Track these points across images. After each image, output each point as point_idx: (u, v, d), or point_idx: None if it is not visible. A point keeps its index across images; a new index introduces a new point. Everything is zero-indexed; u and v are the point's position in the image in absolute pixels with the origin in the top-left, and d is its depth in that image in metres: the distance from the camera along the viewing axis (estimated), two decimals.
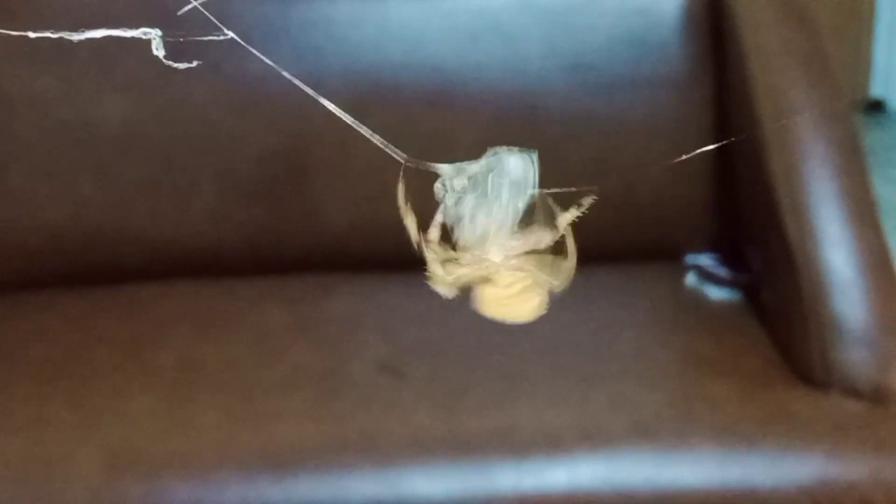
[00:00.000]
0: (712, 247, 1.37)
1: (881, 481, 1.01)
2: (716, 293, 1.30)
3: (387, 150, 0.47)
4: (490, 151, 0.46)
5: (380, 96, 1.31)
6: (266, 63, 0.51)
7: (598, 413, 1.06)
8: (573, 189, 0.48)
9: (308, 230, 1.35)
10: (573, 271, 0.46)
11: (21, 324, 1.27)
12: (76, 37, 0.39)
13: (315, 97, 0.47)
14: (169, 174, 1.33)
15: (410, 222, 0.47)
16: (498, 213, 0.44)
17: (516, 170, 0.45)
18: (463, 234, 0.45)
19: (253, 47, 0.48)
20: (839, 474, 1.01)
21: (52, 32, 0.40)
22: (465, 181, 0.45)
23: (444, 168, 0.46)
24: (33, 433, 1.06)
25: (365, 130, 0.48)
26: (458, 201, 0.45)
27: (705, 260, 1.36)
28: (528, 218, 0.46)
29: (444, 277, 0.47)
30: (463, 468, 1.02)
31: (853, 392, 1.07)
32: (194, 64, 0.42)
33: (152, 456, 1.03)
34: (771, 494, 1.01)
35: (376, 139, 0.47)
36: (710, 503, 1.01)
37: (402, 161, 0.47)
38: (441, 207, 0.46)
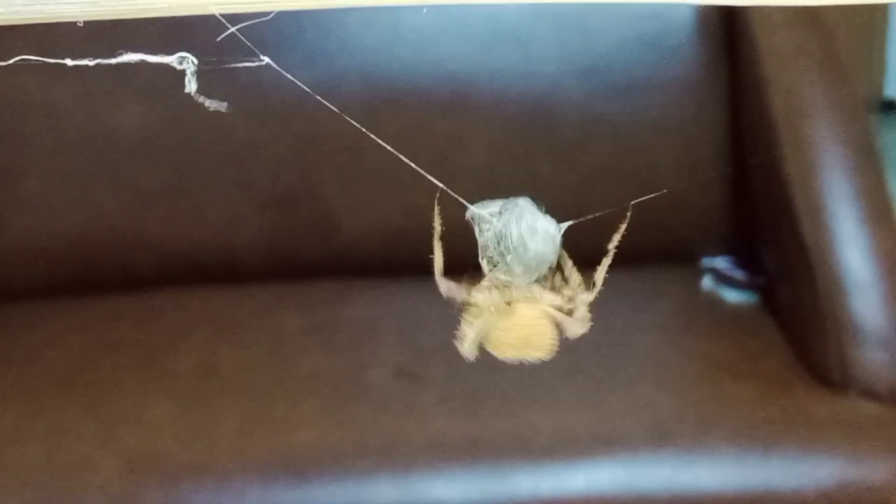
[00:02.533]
0: (728, 249, 1.37)
1: None
2: (732, 296, 1.30)
3: (427, 176, 0.46)
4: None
5: (393, 102, 1.31)
6: (281, 74, 0.51)
7: (615, 417, 1.06)
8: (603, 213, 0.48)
9: (323, 236, 1.36)
10: (588, 318, 0.46)
11: (38, 331, 1.27)
12: (114, 61, 0.39)
13: (341, 114, 0.47)
14: (184, 181, 1.34)
15: (438, 256, 0.47)
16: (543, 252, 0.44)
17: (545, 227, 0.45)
18: (501, 265, 0.45)
19: (266, 54, 0.48)
20: (858, 476, 1.01)
21: (89, 60, 0.40)
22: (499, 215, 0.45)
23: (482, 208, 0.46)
24: (52, 440, 1.07)
25: (402, 157, 0.47)
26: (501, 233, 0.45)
27: (721, 263, 1.36)
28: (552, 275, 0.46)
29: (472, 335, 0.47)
30: (481, 472, 1.02)
31: (871, 393, 1.07)
32: (225, 106, 0.42)
33: (171, 461, 1.04)
34: (789, 497, 1.00)
35: (416, 167, 0.47)
36: None
37: (439, 189, 0.46)
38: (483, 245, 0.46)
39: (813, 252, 1.12)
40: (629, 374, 1.13)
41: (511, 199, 0.45)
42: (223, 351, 1.20)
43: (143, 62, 0.39)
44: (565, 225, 0.46)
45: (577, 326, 0.46)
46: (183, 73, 0.43)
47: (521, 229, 0.44)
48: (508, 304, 0.46)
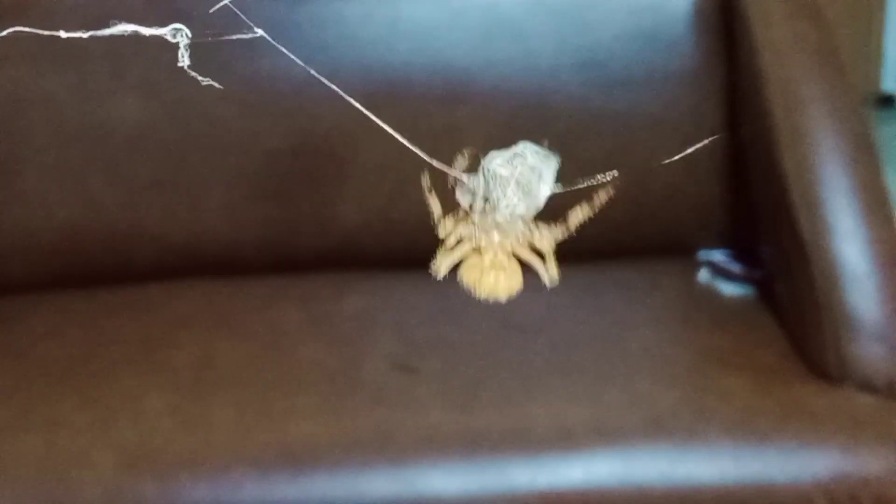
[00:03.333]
0: (725, 242, 1.37)
1: None
2: (729, 289, 1.30)
3: (411, 147, 0.47)
4: (520, 144, 0.48)
5: (391, 93, 1.31)
6: (277, 61, 0.51)
7: (612, 409, 1.06)
8: (592, 182, 0.49)
9: (321, 228, 1.36)
10: (556, 270, 0.48)
11: (35, 323, 1.27)
12: (106, 32, 0.39)
13: (345, 97, 0.48)
14: (181, 173, 1.34)
15: (434, 203, 0.50)
16: (520, 204, 0.46)
17: (542, 161, 0.47)
18: (485, 207, 0.47)
19: (264, 46, 0.48)
20: (854, 469, 1.01)
21: (83, 32, 0.40)
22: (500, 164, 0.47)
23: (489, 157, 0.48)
24: (48, 433, 1.07)
25: (397, 134, 0.48)
26: (488, 177, 0.47)
27: (718, 256, 1.36)
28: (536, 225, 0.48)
29: (447, 249, 0.50)
30: (478, 465, 1.02)
31: (867, 386, 1.07)
32: (219, 85, 0.43)
33: (167, 454, 1.04)
34: (786, 489, 1.01)
35: (414, 146, 0.48)
36: (725, 498, 1.01)
37: (427, 159, 0.48)
38: (469, 180, 0.48)
39: (810, 245, 1.12)
40: (626, 367, 1.14)
41: (517, 149, 0.47)
42: (220, 344, 1.20)
43: (136, 34, 0.39)
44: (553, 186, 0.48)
45: (549, 273, 0.48)
46: (180, 67, 0.44)
47: (505, 184, 0.46)
48: (484, 244, 0.48)
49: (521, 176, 0.46)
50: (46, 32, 0.42)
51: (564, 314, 1.25)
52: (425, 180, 0.48)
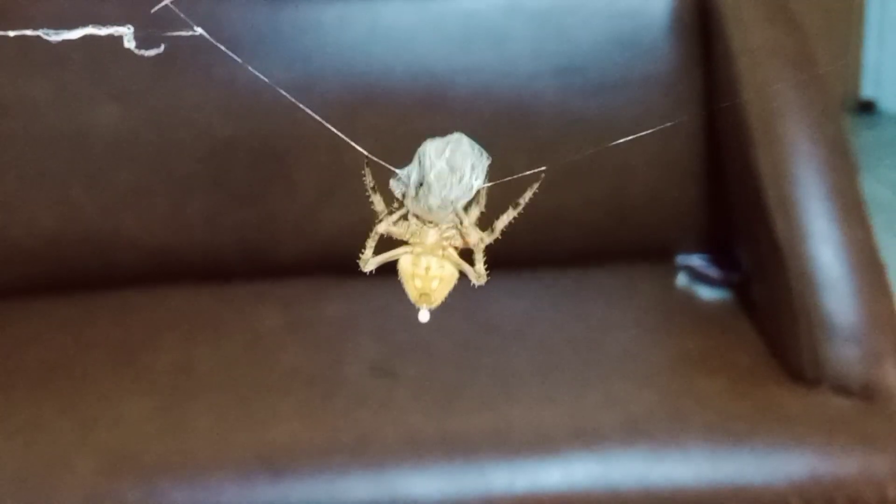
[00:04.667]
0: (703, 247, 1.38)
1: (871, 477, 1.01)
2: (707, 293, 1.31)
3: (355, 146, 0.49)
4: (456, 134, 0.49)
5: (371, 99, 1.31)
6: (255, 67, 0.52)
7: (590, 412, 1.07)
8: (524, 174, 0.51)
9: (300, 233, 1.36)
10: (484, 272, 0.50)
11: (15, 329, 1.27)
12: (54, 37, 0.40)
13: (299, 105, 0.48)
14: (161, 179, 1.34)
15: (378, 201, 0.51)
16: (453, 188, 0.48)
17: (475, 154, 0.48)
18: (417, 202, 0.49)
19: (243, 52, 0.49)
20: (829, 470, 1.02)
21: (31, 31, 0.40)
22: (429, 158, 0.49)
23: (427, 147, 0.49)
24: (28, 438, 1.07)
25: (342, 136, 0.49)
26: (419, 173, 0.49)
27: (696, 260, 1.37)
28: (466, 213, 0.50)
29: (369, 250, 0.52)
30: (456, 468, 1.02)
31: (843, 388, 1.08)
32: (161, 48, 0.43)
33: (148, 459, 1.04)
34: (762, 491, 1.01)
35: (363, 147, 0.49)
36: (701, 500, 1.01)
37: (366, 155, 0.50)
38: (400, 177, 0.50)
39: (785, 249, 1.13)
40: (604, 370, 1.14)
41: (448, 138, 0.49)
42: (201, 349, 1.20)
43: (97, 41, 0.40)
44: (485, 182, 0.49)
45: (477, 277, 0.50)
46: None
47: (440, 169, 0.48)
48: (417, 246, 0.50)
49: (455, 159, 0.48)
50: (12, 34, 0.43)
51: (543, 318, 1.25)
52: (368, 178, 0.50)
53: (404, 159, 0.51)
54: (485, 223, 0.51)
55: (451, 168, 0.49)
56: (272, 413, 1.08)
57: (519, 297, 1.28)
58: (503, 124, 1.33)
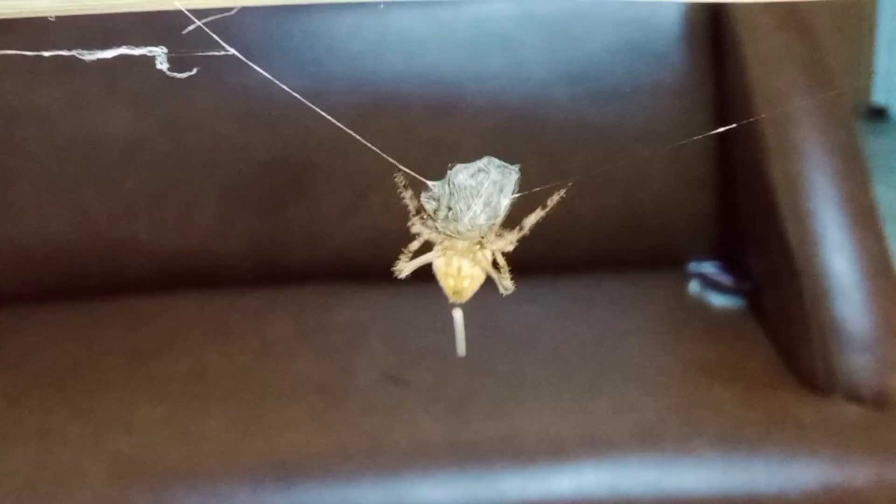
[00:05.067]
0: (715, 254, 1.38)
1: (884, 485, 1.01)
2: (719, 300, 1.31)
3: (390, 160, 0.49)
4: (484, 159, 0.50)
5: (381, 106, 1.31)
6: (267, 75, 0.52)
7: (602, 420, 1.07)
8: (553, 185, 0.52)
9: (311, 240, 1.36)
10: (511, 284, 0.52)
11: (27, 335, 1.27)
12: (88, 57, 0.40)
13: (322, 114, 0.49)
14: (173, 186, 1.34)
15: (411, 200, 0.52)
16: (481, 215, 0.49)
17: (504, 176, 0.49)
18: (448, 215, 0.50)
19: (254, 59, 0.49)
20: (842, 479, 1.02)
21: (66, 50, 0.41)
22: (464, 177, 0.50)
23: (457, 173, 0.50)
24: (40, 444, 1.07)
25: (369, 145, 0.50)
26: (451, 190, 0.50)
27: (708, 267, 1.36)
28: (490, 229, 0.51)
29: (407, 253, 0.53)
30: (468, 476, 1.02)
31: (855, 397, 1.07)
32: (195, 71, 0.44)
33: (159, 466, 1.04)
34: (774, 499, 1.01)
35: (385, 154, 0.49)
36: None
37: (400, 168, 0.51)
38: (430, 194, 0.51)
39: (798, 256, 1.13)
40: (616, 378, 1.14)
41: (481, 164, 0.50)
42: (212, 355, 1.20)
43: (121, 57, 0.40)
44: (511, 197, 0.50)
45: (504, 289, 0.52)
46: (171, 78, 0.45)
47: (469, 197, 0.49)
48: (448, 249, 0.51)
49: (485, 190, 0.49)
50: (30, 53, 0.43)
51: (554, 325, 1.25)
52: (400, 178, 0.50)
53: (415, 166, 0.51)
54: (510, 223, 0.52)
55: (480, 196, 0.49)
56: (284, 420, 1.08)
57: (530, 304, 1.28)
58: (514, 131, 1.33)
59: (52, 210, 1.34)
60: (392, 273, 0.56)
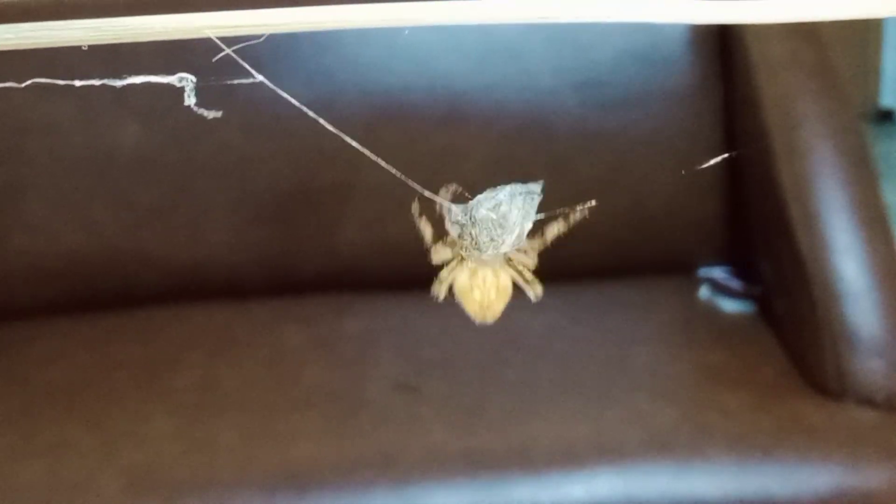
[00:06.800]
0: (725, 259, 1.38)
1: None
2: (729, 305, 1.31)
3: (406, 180, 0.49)
4: (507, 188, 0.50)
5: (390, 116, 1.32)
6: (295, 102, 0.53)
7: (613, 427, 1.07)
8: (577, 207, 0.52)
9: (322, 251, 1.36)
10: (540, 289, 0.52)
11: (38, 348, 1.28)
12: (119, 83, 0.41)
13: (339, 134, 0.49)
14: (183, 198, 1.34)
15: (426, 229, 0.52)
16: (504, 243, 0.49)
17: (527, 203, 0.49)
18: (471, 243, 0.50)
19: (263, 71, 0.49)
20: (855, 484, 1.02)
21: (96, 80, 0.41)
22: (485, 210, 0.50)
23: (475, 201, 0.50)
24: (53, 457, 1.07)
25: (383, 163, 0.50)
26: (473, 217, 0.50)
27: (718, 273, 1.36)
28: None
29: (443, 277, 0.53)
30: (480, 484, 1.02)
31: (867, 401, 1.07)
32: (221, 114, 0.44)
33: (173, 477, 1.04)
34: None
35: (402, 174, 0.50)
36: None
37: (419, 191, 0.51)
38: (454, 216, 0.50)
39: (808, 261, 1.13)
40: (627, 385, 1.14)
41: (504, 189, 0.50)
42: (224, 366, 1.20)
43: (145, 82, 0.41)
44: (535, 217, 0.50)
45: (535, 296, 0.52)
46: (181, 91, 0.45)
47: (492, 227, 0.49)
48: (474, 269, 0.52)
49: (508, 216, 0.49)
50: (62, 82, 0.44)
51: (565, 333, 1.25)
52: (415, 207, 0.50)
53: (425, 174, 0.51)
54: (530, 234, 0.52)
55: (503, 225, 0.49)
56: (296, 430, 1.08)
57: (540, 311, 1.27)
58: (522, 139, 1.33)
59: (64, 224, 1.34)
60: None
